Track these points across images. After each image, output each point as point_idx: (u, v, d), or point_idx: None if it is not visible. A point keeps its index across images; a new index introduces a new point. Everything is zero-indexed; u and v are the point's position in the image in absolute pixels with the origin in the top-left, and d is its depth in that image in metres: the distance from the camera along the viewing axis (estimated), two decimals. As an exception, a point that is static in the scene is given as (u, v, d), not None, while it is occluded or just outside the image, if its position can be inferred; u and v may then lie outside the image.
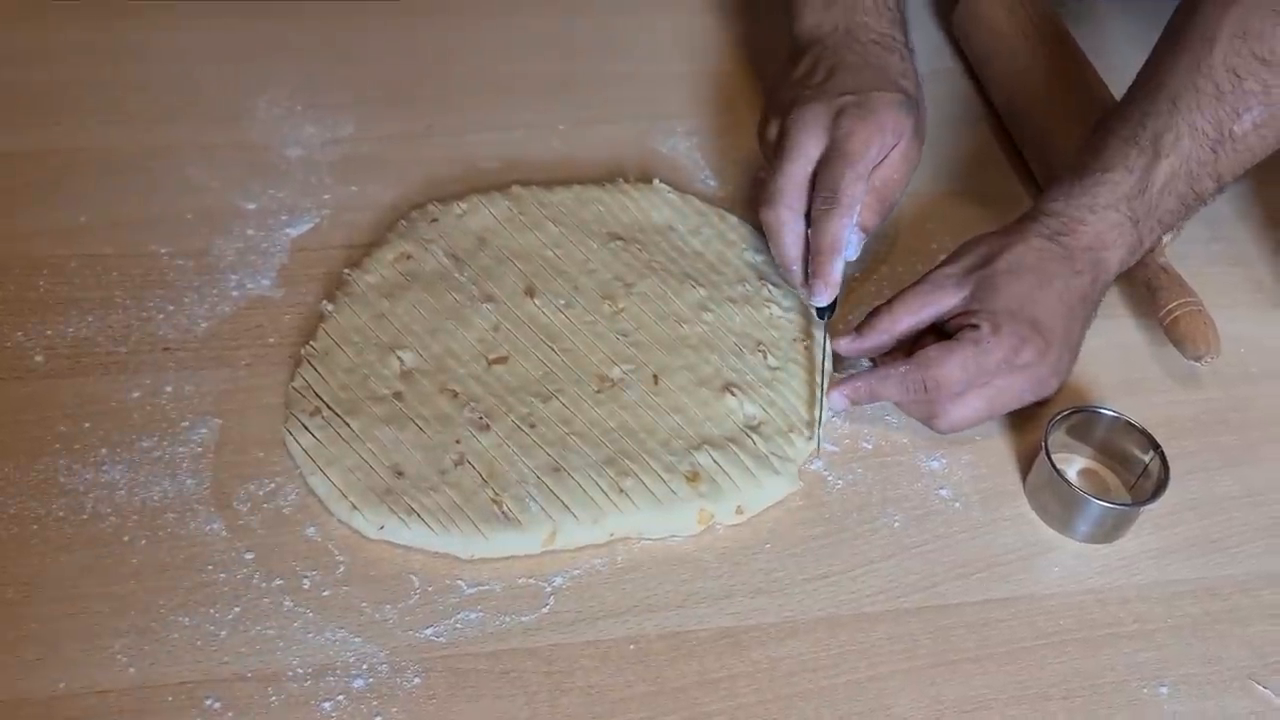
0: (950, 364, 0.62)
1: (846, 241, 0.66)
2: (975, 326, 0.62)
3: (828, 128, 0.67)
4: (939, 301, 0.65)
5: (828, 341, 0.67)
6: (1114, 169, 0.65)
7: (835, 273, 0.65)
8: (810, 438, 0.65)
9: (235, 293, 0.70)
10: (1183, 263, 0.74)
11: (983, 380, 0.62)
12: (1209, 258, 0.79)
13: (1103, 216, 0.65)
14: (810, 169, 0.67)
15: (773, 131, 0.70)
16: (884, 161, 0.68)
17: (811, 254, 0.66)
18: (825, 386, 0.65)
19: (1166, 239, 0.75)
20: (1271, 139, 0.65)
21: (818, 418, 0.65)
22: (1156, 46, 0.68)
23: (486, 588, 0.59)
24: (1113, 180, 0.65)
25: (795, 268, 0.67)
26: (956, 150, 0.86)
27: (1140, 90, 0.67)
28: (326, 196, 0.77)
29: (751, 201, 0.77)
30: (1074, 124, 0.79)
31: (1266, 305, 0.78)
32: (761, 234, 0.74)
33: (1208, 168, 0.65)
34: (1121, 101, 0.69)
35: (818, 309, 0.68)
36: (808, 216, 0.67)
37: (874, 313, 0.66)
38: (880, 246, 0.76)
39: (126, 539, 0.59)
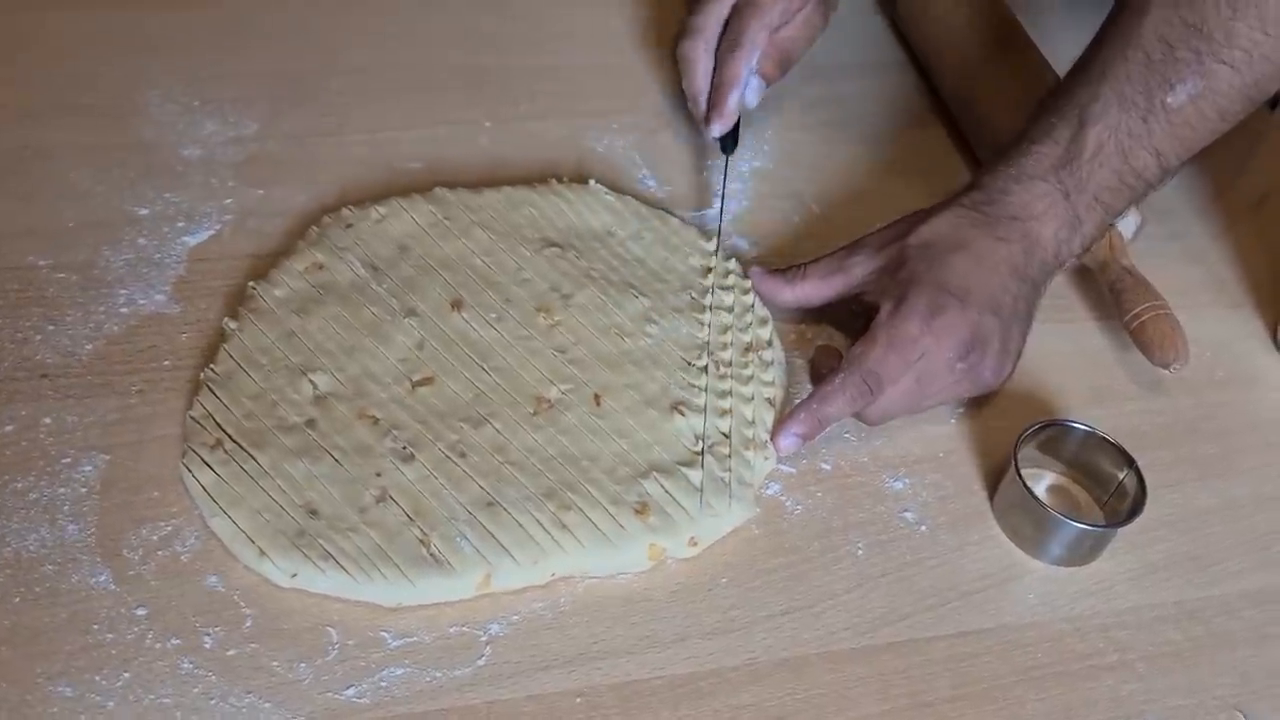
0: (876, 351, 0.59)
1: (744, 81, 0.72)
2: (881, 306, 0.61)
3: None
4: (848, 271, 0.64)
5: (728, 172, 0.74)
6: (1039, 140, 0.64)
7: (730, 104, 0.72)
8: (767, 458, 0.60)
9: (125, 309, 0.63)
10: (1140, 261, 0.71)
11: (916, 356, 0.59)
12: (1167, 256, 0.76)
13: (1028, 186, 0.63)
14: (724, 14, 0.74)
15: None
16: (789, 22, 0.74)
17: (713, 87, 0.73)
18: (723, 212, 0.72)
19: (1126, 233, 0.72)
20: (1211, 115, 0.62)
21: (717, 234, 0.70)
22: (1099, 28, 0.65)
23: (414, 639, 0.53)
24: (1038, 151, 0.63)
25: (701, 99, 0.73)
26: (903, 144, 0.82)
27: (1075, 68, 0.65)
28: (228, 201, 0.69)
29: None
30: (1025, 115, 0.75)
31: (1228, 305, 0.75)
32: (704, 238, 0.70)
33: (1142, 140, 0.62)
34: (1060, 81, 0.67)
35: (721, 145, 0.74)
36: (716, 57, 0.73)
37: (787, 267, 0.67)
38: (823, 241, 0.71)
39: (-3, 597, 0.52)
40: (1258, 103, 0.62)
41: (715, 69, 0.73)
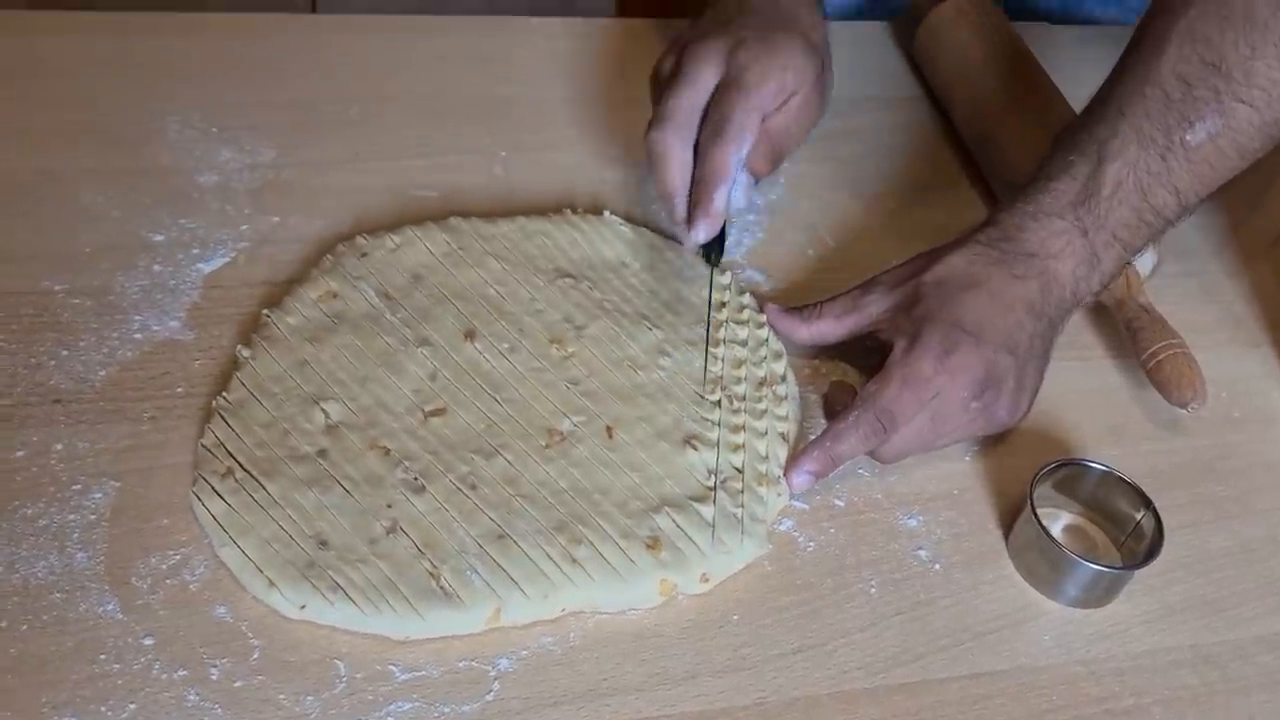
0: (890, 389, 0.59)
1: (733, 176, 0.62)
2: (895, 344, 0.61)
3: (725, 59, 0.64)
4: (863, 309, 0.64)
5: (712, 291, 0.63)
6: (1057, 177, 0.63)
7: (717, 203, 0.61)
8: (780, 493, 0.60)
9: (139, 335, 0.63)
10: (1157, 299, 0.70)
11: (930, 395, 0.59)
12: (1184, 294, 0.76)
13: (1045, 224, 0.62)
14: (703, 99, 0.64)
15: (668, 65, 0.67)
16: (782, 108, 0.65)
17: (694, 183, 0.62)
18: (710, 336, 0.63)
19: (1143, 271, 0.72)
20: (1231, 153, 0.61)
21: (703, 375, 0.62)
22: (1115, 65, 0.66)
23: (422, 673, 0.52)
24: (1056, 188, 0.63)
25: (678, 199, 0.63)
26: (919, 177, 0.81)
27: (1092, 104, 0.65)
28: (244, 228, 0.70)
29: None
30: (1042, 152, 0.75)
31: (1245, 344, 0.74)
32: (719, 270, 0.69)
33: (1161, 178, 0.62)
34: (1076, 118, 0.67)
35: (703, 252, 0.64)
36: (697, 149, 0.63)
37: (803, 305, 0.65)
38: (838, 275, 0.72)
39: (4, 625, 0.51)
40: (1278, 140, 0.62)
41: (697, 161, 0.62)
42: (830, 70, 0.70)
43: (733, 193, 0.63)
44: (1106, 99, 0.64)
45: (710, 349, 0.64)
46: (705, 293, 0.67)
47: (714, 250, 0.63)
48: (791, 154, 0.67)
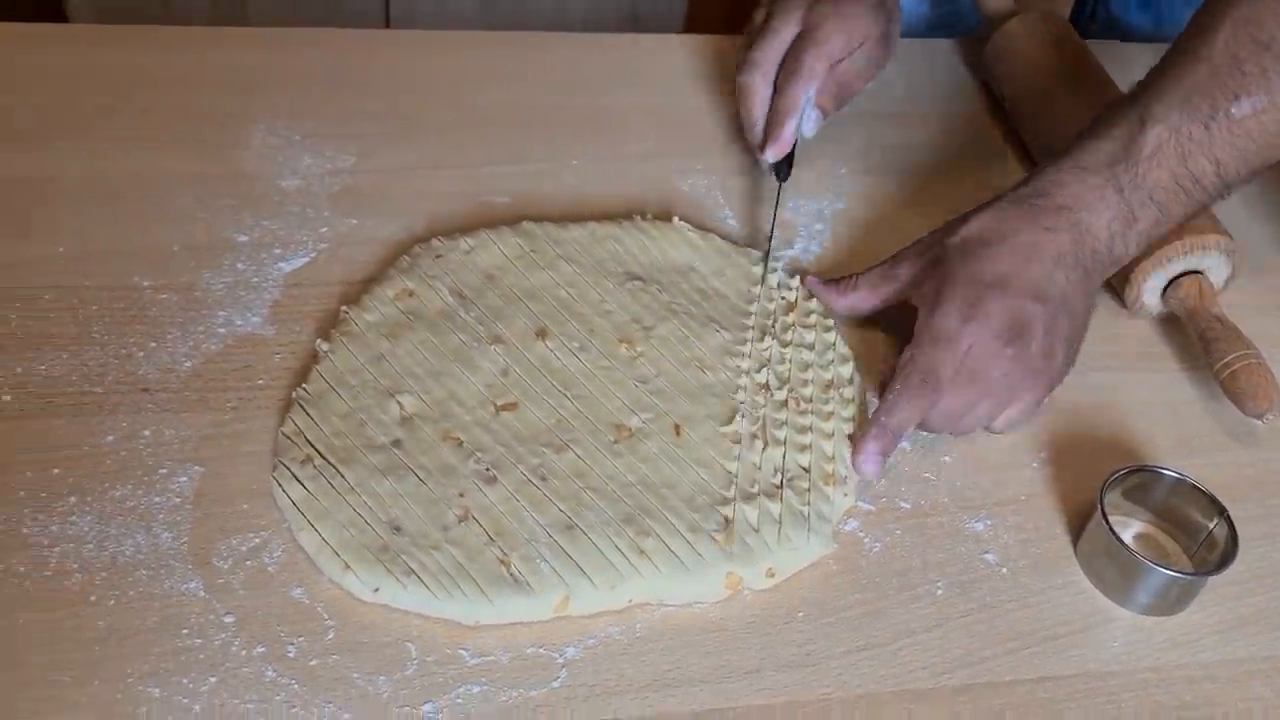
0: (924, 350, 0.60)
1: (802, 111, 0.73)
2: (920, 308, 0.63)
3: (804, 16, 0.75)
4: (895, 277, 0.67)
5: (780, 201, 0.74)
6: (1098, 137, 0.64)
7: (788, 132, 0.73)
8: (846, 494, 0.60)
9: (223, 330, 0.65)
10: (1229, 310, 0.70)
11: (963, 348, 0.60)
12: (1258, 305, 0.74)
13: (1079, 177, 0.63)
14: (784, 48, 0.75)
15: (759, 17, 0.78)
16: (849, 57, 0.75)
17: (770, 115, 0.74)
18: (773, 236, 0.72)
19: (1216, 282, 0.71)
20: (1273, 129, 0.61)
21: (765, 257, 0.70)
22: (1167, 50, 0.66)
23: (491, 658, 0.53)
24: (1094, 146, 0.63)
25: (758, 128, 0.75)
26: (985, 195, 0.81)
27: (1141, 81, 0.65)
28: (324, 229, 0.72)
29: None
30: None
31: (1320, 358, 0.73)
32: (787, 275, 0.71)
33: (1202, 146, 0.62)
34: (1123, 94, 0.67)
35: (775, 172, 0.75)
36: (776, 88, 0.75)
37: (840, 278, 0.69)
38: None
39: (93, 599, 0.53)
40: None
41: (773, 97, 0.74)
42: (898, 25, 0.80)
43: (802, 124, 0.74)
44: (1154, 72, 0.64)
45: (779, 348, 0.65)
46: (767, 301, 0.69)
47: (783, 169, 0.75)
48: (855, 95, 0.77)
